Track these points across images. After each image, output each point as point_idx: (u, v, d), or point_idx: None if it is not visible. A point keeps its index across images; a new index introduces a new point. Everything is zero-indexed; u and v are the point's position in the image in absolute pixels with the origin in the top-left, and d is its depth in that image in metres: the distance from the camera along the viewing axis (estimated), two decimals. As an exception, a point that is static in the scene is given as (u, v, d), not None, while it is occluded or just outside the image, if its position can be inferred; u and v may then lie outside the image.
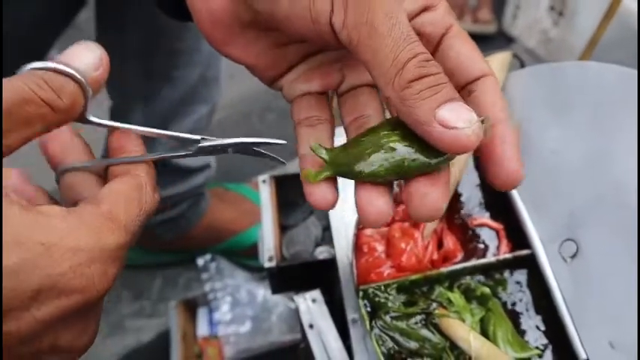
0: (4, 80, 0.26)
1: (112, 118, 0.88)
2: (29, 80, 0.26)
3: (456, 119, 0.25)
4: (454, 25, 0.30)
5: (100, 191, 0.28)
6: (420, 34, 0.29)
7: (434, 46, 0.30)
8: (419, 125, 0.25)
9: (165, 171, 0.90)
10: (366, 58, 0.26)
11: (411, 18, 0.30)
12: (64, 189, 0.32)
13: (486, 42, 1.49)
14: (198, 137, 0.32)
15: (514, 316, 0.46)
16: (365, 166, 0.27)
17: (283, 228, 0.65)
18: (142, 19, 0.74)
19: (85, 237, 0.25)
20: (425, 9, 0.30)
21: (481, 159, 0.29)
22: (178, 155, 0.32)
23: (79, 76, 0.28)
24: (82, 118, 0.29)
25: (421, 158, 0.26)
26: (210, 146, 0.32)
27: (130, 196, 0.28)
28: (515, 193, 0.50)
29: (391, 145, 0.27)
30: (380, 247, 0.49)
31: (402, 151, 0.26)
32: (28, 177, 0.31)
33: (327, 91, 0.33)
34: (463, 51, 0.30)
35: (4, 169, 0.30)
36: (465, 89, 0.29)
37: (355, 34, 0.26)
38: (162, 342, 0.94)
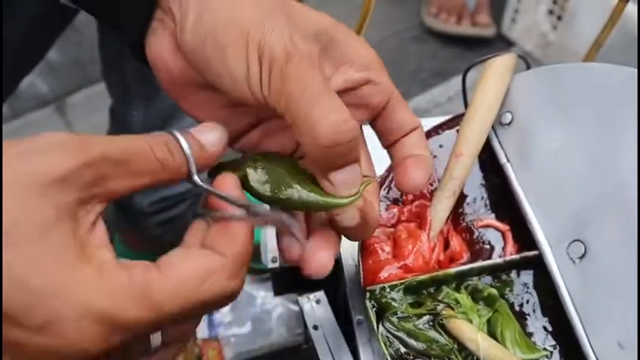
0: (131, 137, 0.27)
1: (113, 116, 0.88)
2: (152, 139, 0.28)
3: (340, 184, 0.31)
4: (394, 93, 0.36)
5: (170, 255, 0.28)
6: (366, 103, 0.35)
7: (378, 111, 0.36)
8: (317, 175, 0.32)
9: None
10: (290, 116, 0.30)
11: (354, 88, 0.35)
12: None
13: (485, 45, 1.50)
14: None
15: (521, 318, 0.46)
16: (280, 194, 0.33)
17: (286, 229, 0.64)
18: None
19: (104, 298, 0.24)
20: (367, 82, 0.35)
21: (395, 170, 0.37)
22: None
23: (187, 149, 0.29)
24: (189, 179, 0.30)
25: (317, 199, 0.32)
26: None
27: (188, 279, 0.27)
28: (521, 194, 0.50)
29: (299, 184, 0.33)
30: (386, 248, 0.49)
31: (303, 192, 0.32)
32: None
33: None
34: (403, 114, 0.37)
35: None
36: (399, 140, 0.37)
37: (277, 100, 0.30)
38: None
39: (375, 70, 0.34)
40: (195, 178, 0.30)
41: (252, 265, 0.98)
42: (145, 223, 0.93)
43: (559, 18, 1.27)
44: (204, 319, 0.91)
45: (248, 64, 0.30)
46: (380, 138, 0.38)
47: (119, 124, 0.88)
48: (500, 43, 1.52)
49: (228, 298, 0.28)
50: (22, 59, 0.64)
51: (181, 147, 0.29)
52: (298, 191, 0.32)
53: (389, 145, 0.38)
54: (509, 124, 0.52)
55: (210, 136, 0.30)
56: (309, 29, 0.32)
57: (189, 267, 0.27)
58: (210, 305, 0.28)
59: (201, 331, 0.91)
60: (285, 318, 0.83)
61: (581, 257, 0.43)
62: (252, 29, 0.29)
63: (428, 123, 0.58)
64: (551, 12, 1.30)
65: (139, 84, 0.80)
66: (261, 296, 0.85)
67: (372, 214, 0.34)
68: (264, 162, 0.33)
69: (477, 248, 0.51)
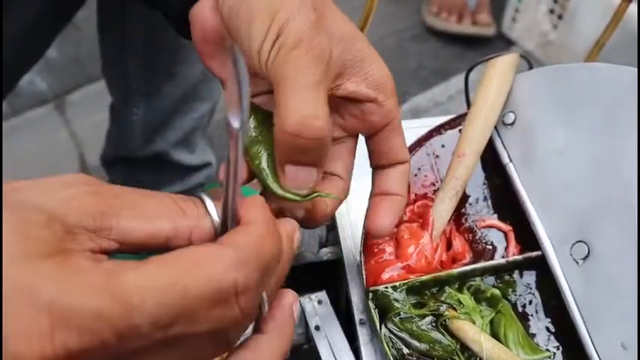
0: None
1: (113, 115, 0.87)
2: (175, 195, 0.26)
3: (290, 179, 0.32)
4: (395, 120, 0.37)
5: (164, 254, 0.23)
6: (365, 119, 0.37)
7: (375, 130, 0.37)
8: (276, 160, 0.32)
9: (164, 169, 0.89)
10: (275, 93, 0.31)
11: (360, 100, 0.36)
12: None
13: (485, 45, 1.50)
14: None
15: (523, 318, 0.46)
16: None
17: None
18: (143, 14, 0.74)
19: (51, 281, 0.20)
20: (373, 100, 0.36)
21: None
22: None
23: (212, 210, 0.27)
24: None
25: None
26: None
27: (172, 268, 0.22)
28: (524, 195, 0.49)
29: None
30: (389, 249, 0.49)
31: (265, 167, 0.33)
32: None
33: None
34: (396, 142, 0.38)
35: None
36: (387, 166, 0.39)
37: (273, 75, 0.31)
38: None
39: (385, 92, 0.36)
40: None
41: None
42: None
43: (560, 17, 1.27)
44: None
45: (265, 38, 0.31)
46: (370, 156, 0.39)
47: (119, 123, 0.87)
48: (501, 42, 1.51)
49: (229, 293, 0.22)
50: (21, 57, 0.64)
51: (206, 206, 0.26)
52: (265, 164, 0.33)
53: (375, 167, 0.40)
54: (512, 124, 0.52)
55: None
56: (336, 31, 0.33)
57: (177, 256, 0.22)
58: (204, 306, 0.22)
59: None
60: (285, 317, 0.83)
61: (585, 258, 0.43)
62: (282, 10, 0.31)
63: (429, 122, 0.58)
64: (551, 11, 1.29)
65: (141, 81, 0.80)
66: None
67: (318, 215, 0.36)
68: (260, 117, 0.35)
69: (480, 249, 0.50)
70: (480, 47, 1.48)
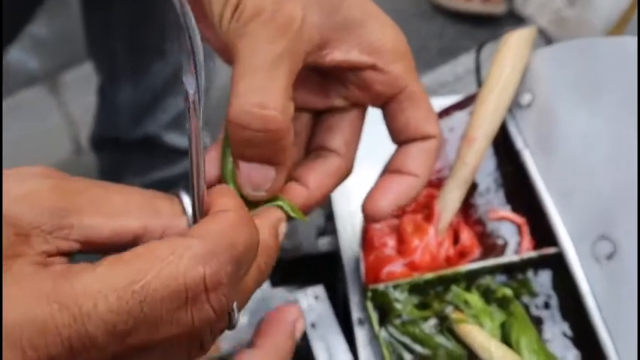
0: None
1: (100, 95, 0.83)
2: (151, 192, 0.24)
3: (245, 177, 0.28)
4: (409, 87, 0.32)
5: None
6: (368, 88, 0.31)
7: (382, 101, 0.32)
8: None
9: (156, 152, 0.85)
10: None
11: (358, 68, 0.31)
12: None
13: (494, 22, 1.45)
14: None
15: (537, 322, 0.42)
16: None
17: (283, 217, 0.60)
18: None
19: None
20: (374, 67, 0.31)
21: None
22: None
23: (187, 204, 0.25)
24: None
25: None
26: None
27: (126, 266, 0.19)
28: (540, 184, 0.45)
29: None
30: (390, 242, 0.44)
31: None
32: None
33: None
34: (414, 114, 0.32)
35: None
36: (407, 142, 0.33)
37: (230, 47, 0.27)
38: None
39: (385, 56, 0.31)
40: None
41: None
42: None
43: (575, -8, 1.21)
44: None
45: (226, 3, 0.27)
46: (389, 133, 0.35)
47: (107, 104, 0.83)
48: (511, 19, 1.46)
49: (198, 290, 0.19)
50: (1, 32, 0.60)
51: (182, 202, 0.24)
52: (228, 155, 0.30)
53: (397, 144, 0.35)
54: (529, 105, 0.47)
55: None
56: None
57: (134, 253, 0.19)
58: (167, 308, 0.19)
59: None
60: (282, 309, 0.79)
61: (609, 257, 0.38)
62: None
63: (436, 104, 0.53)
64: (566, -14, 1.23)
65: (127, 59, 0.75)
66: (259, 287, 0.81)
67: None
68: None
69: (490, 243, 0.46)
70: (489, 25, 1.43)
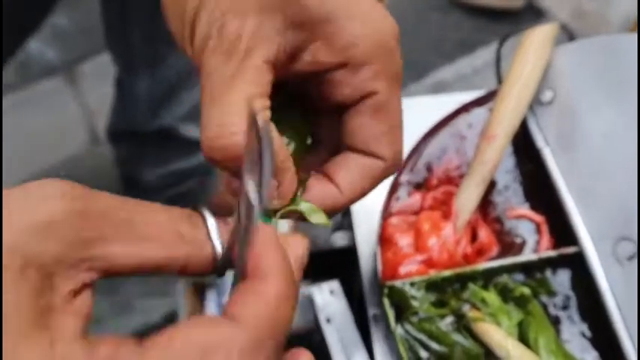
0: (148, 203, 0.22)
1: (118, 86, 0.84)
2: (171, 208, 0.24)
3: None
4: (378, 94, 0.27)
5: (167, 329, 0.20)
6: (334, 91, 0.28)
7: (348, 106, 0.28)
8: None
9: (171, 144, 0.86)
10: None
11: (327, 70, 0.27)
12: None
13: (512, 15, 1.43)
14: None
15: (555, 322, 0.41)
16: None
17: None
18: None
19: None
20: (344, 65, 0.27)
21: None
22: None
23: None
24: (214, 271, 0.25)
25: None
26: None
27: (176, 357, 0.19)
28: (560, 182, 0.44)
29: None
30: (407, 240, 0.44)
31: None
32: None
33: None
34: (369, 127, 0.28)
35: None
36: (356, 152, 0.29)
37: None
38: (170, 323, 0.91)
39: (357, 57, 0.27)
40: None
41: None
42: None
43: (596, -14, 1.19)
44: (214, 300, 0.88)
45: (182, 29, 0.27)
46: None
47: (124, 95, 0.84)
48: (529, 13, 1.43)
49: None
50: (20, 24, 0.60)
51: (206, 223, 0.23)
52: None
53: (345, 147, 0.30)
54: (550, 102, 0.47)
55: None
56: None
57: (184, 340, 0.19)
58: None
59: (210, 311, 0.89)
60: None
61: (630, 258, 0.38)
62: None
63: (454, 99, 0.52)
64: (587, -21, 1.21)
65: (144, 50, 0.75)
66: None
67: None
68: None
69: (508, 241, 0.46)
70: (507, 18, 1.41)
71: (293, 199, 0.27)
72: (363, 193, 0.28)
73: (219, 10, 0.26)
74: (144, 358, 0.19)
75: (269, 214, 0.27)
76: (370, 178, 0.28)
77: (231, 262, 0.24)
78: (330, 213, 0.28)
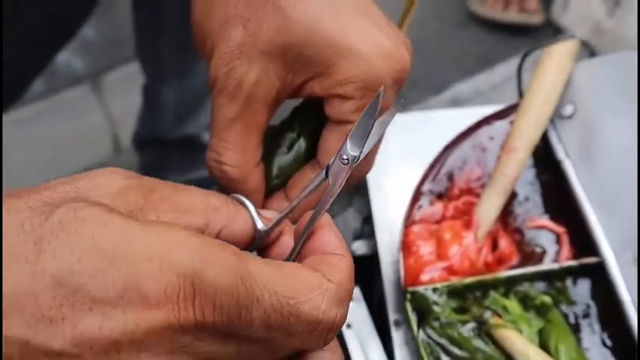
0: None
1: (145, 94, 0.86)
2: (210, 193, 0.27)
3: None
4: (350, 124, 0.32)
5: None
6: (328, 112, 0.32)
7: (330, 125, 0.33)
8: None
9: (195, 152, 0.88)
10: None
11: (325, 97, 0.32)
12: None
13: (531, 32, 1.44)
14: None
15: (575, 330, 0.42)
16: None
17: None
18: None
19: (189, 251, 0.20)
20: (334, 97, 0.31)
21: None
22: None
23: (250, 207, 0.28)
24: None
25: None
26: None
27: (292, 278, 0.22)
28: (581, 194, 0.45)
29: None
30: (429, 247, 0.45)
31: None
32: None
33: None
34: (330, 145, 0.33)
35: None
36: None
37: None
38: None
39: (347, 92, 0.31)
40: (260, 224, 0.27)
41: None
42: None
43: (617, 3, 1.19)
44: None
45: (204, 53, 0.32)
46: None
47: (151, 104, 0.86)
48: (548, 30, 1.44)
49: (327, 327, 0.23)
50: (55, 31, 0.63)
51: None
52: None
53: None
54: (571, 116, 0.48)
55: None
56: (291, 30, 0.30)
57: (293, 270, 0.23)
58: (303, 329, 0.22)
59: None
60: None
61: (651, 269, 0.39)
62: (211, 36, 0.32)
63: (472, 112, 0.54)
64: (607, -3, 1.22)
65: (173, 59, 0.78)
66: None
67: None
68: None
69: (528, 251, 0.47)
70: (526, 34, 1.42)
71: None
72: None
73: (229, 55, 0.30)
74: (259, 260, 0.22)
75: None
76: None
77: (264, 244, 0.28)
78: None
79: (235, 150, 0.31)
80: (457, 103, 1.27)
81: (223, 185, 0.32)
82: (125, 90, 1.31)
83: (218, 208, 0.26)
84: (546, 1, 1.46)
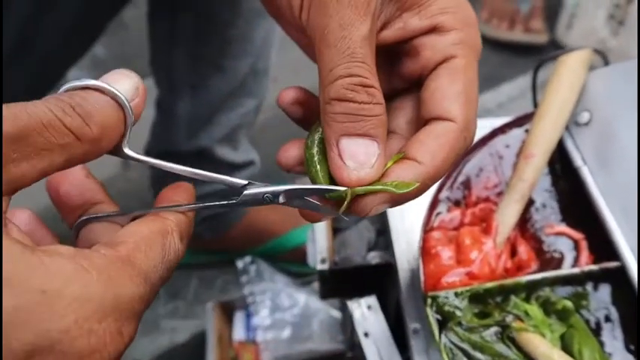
0: (27, 104, 0.22)
1: (158, 107, 0.87)
2: (54, 104, 0.22)
3: (349, 155, 0.26)
4: (457, 58, 0.29)
5: (118, 233, 0.25)
6: (417, 54, 0.29)
7: (429, 71, 0.29)
8: (326, 141, 0.28)
9: (207, 165, 0.88)
10: (317, 59, 0.27)
11: (414, 36, 0.29)
12: (81, 242, 0.28)
13: (536, 51, 1.45)
14: (244, 182, 0.29)
15: (596, 335, 0.42)
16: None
17: (334, 231, 0.61)
18: (194, 3, 0.73)
19: (96, 284, 0.20)
20: (433, 29, 0.29)
21: None
22: (216, 205, 0.29)
23: (122, 97, 0.24)
24: (118, 152, 0.26)
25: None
26: (256, 194, 0.28)
27: (152, 239, 0.25)
28: (599, 200, 0.45)
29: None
30: (449, 253, 0.45)
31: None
32: (39, 219, 0.28)
33: None
34: (443, 88, 0.28)
35: (13, 210, 0.25)
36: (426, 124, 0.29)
37: (312, 35, 0.27)
38: (196, 344, 0.92)
39: (445, 24, 0.29)
40: (128, 150, 0.26)
41: (296, 268, 0.96)
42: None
43: (620, 23, 1.21)
44: (242, 321, 0.88)
45: None
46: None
47: (164, 116, 0.87)
48: (553, 49, 1.46)
49: (177, 261, 0.26)
50: (68, 48, 0.64)
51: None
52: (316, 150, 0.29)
53: (422, 123, 0.30)
54: (587, 123, 0.48)
55: (126, 85, 0.25)
56: None
57: (146, 231, 0.25)
58: (169, 271, 0.26)
59: (238, 333, 0.89)
60: (326, 324, 0.80)
61: (674, 272, 0.39)
62: None
63: (485, 124, 0.54)
64: (612, 16, 1.24)
65: (187, 72, 0.79)
66: (303, 301, 0.82)
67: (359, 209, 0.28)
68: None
69: (547, 257, 0.46)
70: (531, 53, 1.43)
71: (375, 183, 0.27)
72: (445, 162, 0.28)
73: None
74: (130, 246, 0.24)
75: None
76: (447, 144, 0.28)
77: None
78: (421, 189, 0.28)
79: (374, 71, 0.27)
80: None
81: (362, 115, 0.26)
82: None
83: (76, 133, 0.23)
84: (551, 20, 1.48)
